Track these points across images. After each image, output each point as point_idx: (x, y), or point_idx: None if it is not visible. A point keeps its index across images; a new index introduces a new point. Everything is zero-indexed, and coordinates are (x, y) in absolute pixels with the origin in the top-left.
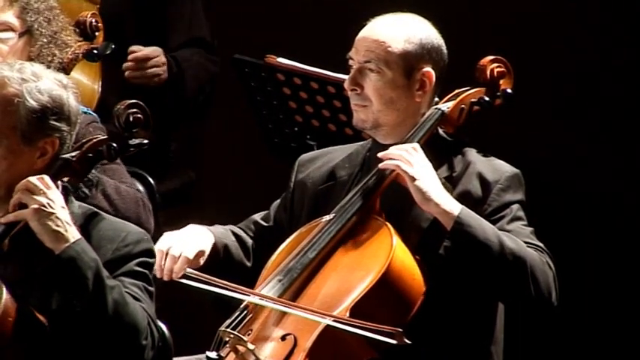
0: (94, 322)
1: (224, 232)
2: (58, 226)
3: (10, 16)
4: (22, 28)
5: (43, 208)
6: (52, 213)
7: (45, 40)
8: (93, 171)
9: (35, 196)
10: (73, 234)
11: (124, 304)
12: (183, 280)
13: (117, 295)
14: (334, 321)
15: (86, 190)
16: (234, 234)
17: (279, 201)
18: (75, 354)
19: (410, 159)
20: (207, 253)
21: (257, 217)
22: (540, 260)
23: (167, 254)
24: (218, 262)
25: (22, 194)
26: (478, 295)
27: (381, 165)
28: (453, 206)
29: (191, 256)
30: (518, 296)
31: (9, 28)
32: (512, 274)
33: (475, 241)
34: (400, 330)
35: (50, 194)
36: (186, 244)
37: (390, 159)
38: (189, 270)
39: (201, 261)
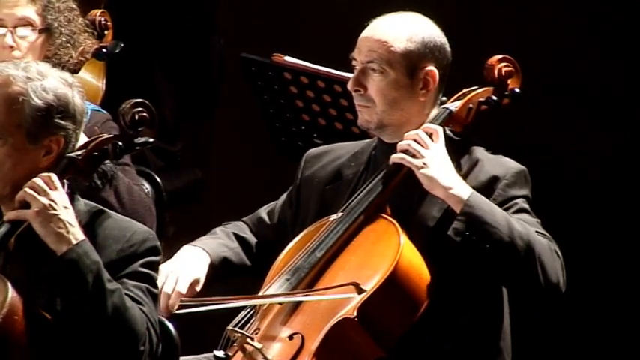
0: (93, 325)
1: (221, 244)
2: (60, 227)
3: (32, 12)
4: (42, 25)
5: (45, 209)
6: (55, 215)
7: (63, 40)
8: (110, 165)
9: (38, 197)
10: (76, 235)
11: (123, 308)
12: (181, 311)
13: (117, 299)
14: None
15: (98, 182)
16: (237, 237)
17: (284, 197)
18: (77, 355)
19: (417, 148)
20: (202, 279)
21: (263, 212)
22: (549, 247)
23: (161, 292)
24: (220, 275)
25: (26, 193)
26: (487, 283)
27: (392, 159)
28: (463, 190)
29: (184, 291)
30: (527, 281)
31: (29, 23)
32: (522, 258)
33: (484, 224)
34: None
35: (53, 195)
36: (178, 277)
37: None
38: (184, 299)
39: (197, 288)
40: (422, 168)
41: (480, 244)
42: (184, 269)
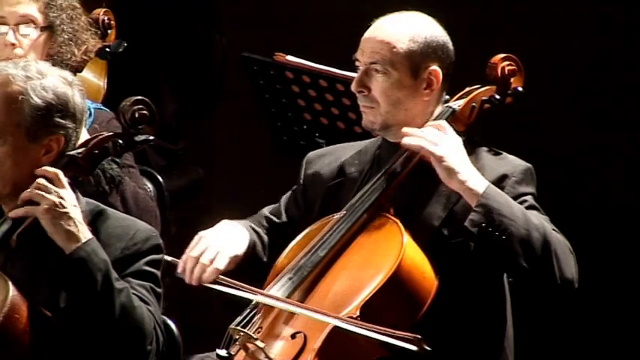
0: (101, 325)
1: (252, 230)
2: (69, 225)
3: (34, 10)
4: (44, 23)
5: (55, 207)
6: (65, 212)
7: (66, 37)
8: (117, 169)
9: (47, 195)
10: (85, 234)
11: (131, 308)
12: (212, 286)
13: (124, 298)
14: (349, 324)
15: (106, 187)
16: (254, 230)
17: (288, 196)
18: (80, 354)
19: (434, 139)
20: (240, 257)
21: (267, 212)
22: (564, 242)
23: (194, 258)
24: (247, 260)
25: (33, 193)
26: (490, 282)
27: (404, 140)
28: (479, 183)
29: (222, 267)
30: (543, 275)
31: (31, 21)
32: (538, 251)
33: (501, 216)
34: (419, 337)
35: (62, 193)
36: (219, 251)
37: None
38: (221, 277)
39: (232, 266)
40: (441, 160)
41: (497, 235)
42: (227, 245)
